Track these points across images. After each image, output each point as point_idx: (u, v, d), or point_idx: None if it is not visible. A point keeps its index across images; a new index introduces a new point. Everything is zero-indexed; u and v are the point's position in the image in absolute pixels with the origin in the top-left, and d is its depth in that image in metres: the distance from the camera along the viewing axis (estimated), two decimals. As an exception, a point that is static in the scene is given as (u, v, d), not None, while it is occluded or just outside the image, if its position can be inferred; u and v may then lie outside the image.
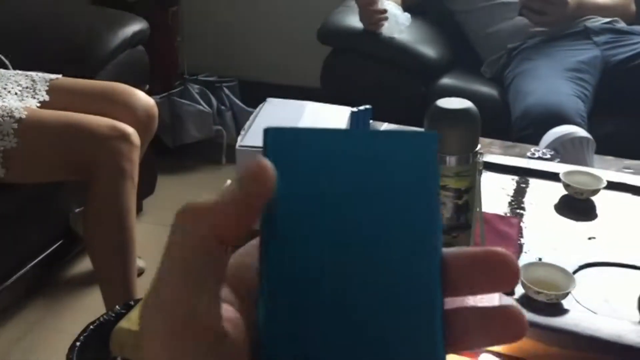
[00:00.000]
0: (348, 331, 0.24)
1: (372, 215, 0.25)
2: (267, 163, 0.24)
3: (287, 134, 0.26)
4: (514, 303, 0.24)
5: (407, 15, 1.97)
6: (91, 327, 1.03)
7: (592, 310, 0.89)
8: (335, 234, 0.25)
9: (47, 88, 1.55)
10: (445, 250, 0.25)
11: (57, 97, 1.54)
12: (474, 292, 0.24)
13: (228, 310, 0.24)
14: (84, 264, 1.80)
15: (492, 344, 0.24)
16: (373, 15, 1.92)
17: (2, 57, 1.67)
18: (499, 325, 0.24)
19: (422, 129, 0.25)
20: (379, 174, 0.26)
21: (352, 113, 1.16)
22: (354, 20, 2.02)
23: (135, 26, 1.91)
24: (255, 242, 0.26)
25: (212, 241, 0.23)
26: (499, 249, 0.24)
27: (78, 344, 1.00)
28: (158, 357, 0.23)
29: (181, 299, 0.23)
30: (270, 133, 0.26)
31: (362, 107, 1.36)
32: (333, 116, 1.08)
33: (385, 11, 1.93)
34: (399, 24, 1.95)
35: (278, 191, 0.25)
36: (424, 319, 0.24)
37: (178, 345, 0.23)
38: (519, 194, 1.18)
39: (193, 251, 0.23)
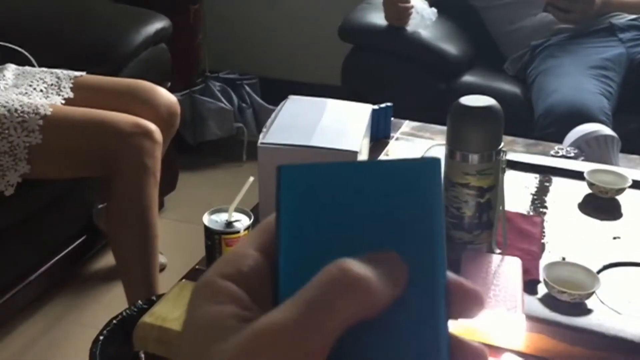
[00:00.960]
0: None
1: (378, 241, 0.26)
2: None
3: (298, 170, 0.27)
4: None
5: (434, 10, 1.95)
6: (114, 321, 1.05)
7: (616, 310, 0.88)
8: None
9: (71, 85, 1.57)
10: None
11: (81, 94, 1.56)
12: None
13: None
14: (107, 260, 1.82)
15: (454, 318, 0.26)
16: (400, 11, 1.91)
17: (28, 55, 1.69)
18: (457, 299, 0.25)
19: (424, 156, 0.26)
20: (385, 203, 0.26)
21: (373, 110, 1.16)
22: (374, 17, 2.01)
23: (158, 24, 1.92)
24: None
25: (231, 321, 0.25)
26: (469, 284, 0.26)
27: (101, 338, 1.01)
28: None
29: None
30: (283, 170, 0.27)
31: (382, 105, 1.35)
32: (354, 114, 1.08)
33: (411, 7, 1.92)
34: (424, 19, 1.93)
35: (290, 227, 0.26)
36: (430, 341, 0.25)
37: None
38: (542, 192, 1.17)
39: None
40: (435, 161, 0.26)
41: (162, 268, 1.74)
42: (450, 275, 0.26)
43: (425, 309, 0.25)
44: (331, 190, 0.26)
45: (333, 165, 0.27)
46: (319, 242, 0.26)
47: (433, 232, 0.26)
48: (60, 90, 1.56)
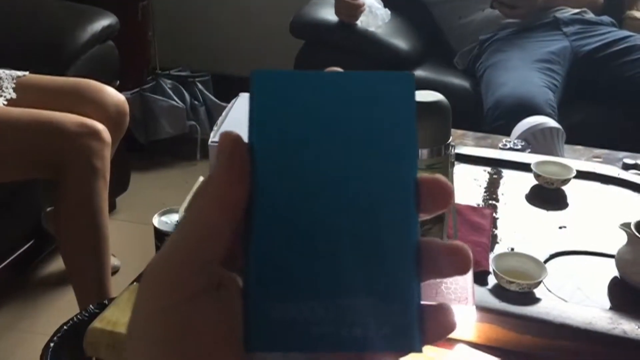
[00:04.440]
0: (330, 263, 0.25)
1: (352, 149, 0.27)
2: (236, 135, 0.26)
3: (272, 76, 0.27)
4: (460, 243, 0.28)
5: (387, 11, 1.97)
6: (65, 327, 1.02)
7: (563, 298, 0.91)
8: (318, 166, 0.26)
9: (14, 85, 1.52)
10: (421, 239, 0.27)
11: (24, 95, 1.51)
12: (438, 277, 0.27)
13: (224, 273, 0.26)
14: (57, 264, 1.78)
15: (443, 276, 0.27)
16: (350, 7, 1.92)
17: (-33, 55, 1.63)
18: (450, 259, 0.26)
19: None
20: (359, 110, 0.27)
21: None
22: (326, 13, 2.01)
23: (105, 21, 1.88)
24: None
25: (216, 216, 0.25)
26: (460, 243, 0.27)
27: (52, 344, 0.99)
28: (143, 305, 0.25)
29: (175, 257, 0.25)
30: (256, 75, 0.27)
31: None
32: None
33: (362, 4, 1.93)
34: (377, 19, 1.95)
35: (263, 132, 0.26)
36: (402, 247, 0.26)
37: (163, 292, 0.25)
38: (492, 185, 1.19)
39: (196, 220, 0.26)
40: (409, 75, 0.28)
41: (115, 271, 1.71)
42: (421, 175, 0.27)
43: (401, 204, 0.26)
44: (305, 96, 0.27)
45: (307, 74, 0.28)
46: (291, 147, 0.26)
47: (408, 137, 0.27)
48: (2, 91, 1.51)
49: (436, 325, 0.26)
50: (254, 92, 0.27)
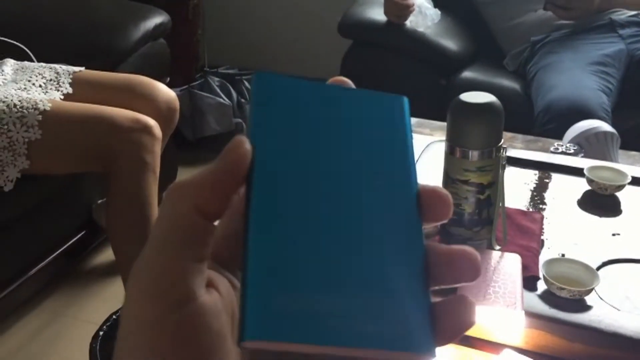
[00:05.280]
0: (331, 260, 0.25)
1: (353, 159, 0.27)
2: (243, 138, 0.26)
3: (273, 79, 0.28)
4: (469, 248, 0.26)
5: (437, 12, 1.95)
6: (114, 316, 1.05)
7: (615, 306, 0.88)
8: (316, 174, 0.26)
9: (70, 80, 1.57)
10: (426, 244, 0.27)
11: (80, 90, 1.55)
12: (442, 284, 0.26)
13: (215, 276, 0.26)
14: (107, 255, 1.82)
15: (453, 283, 0.26)
16: (400, 8, 1.91)
17: (27, 50, 1.69)
18: (456, 265, 0.26)
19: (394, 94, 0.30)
20: (357, 122, 0.28)
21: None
22: (374, 13, 2.01)
23: (157, 19, 1.92)
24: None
25: (193, 215, 0.25)
26: (468, 248, 0.26)
27: (101, 333, 1.02)
28: (132, 314, 0.24)
29: (156, 264, 0.24)
30: (257, 77, 0.27)
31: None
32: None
33: (412, 4, 1.91)
34: (426, 19, 1.93)
35: (261, 135, 0.26)
36: (407, 251, 0.26)
37: (147, 302, 0.24)
38: (542, 189, 1.17)
39: (174, 224, 0.25)
40: (403, 98, 0.29)
41: (162, 263, 1.74)
42: (422, 184, 0.27)
43: (401, 216, 0.26)
44: (305, 104, 0.27)
45: (309, 83, 0.28)
46: (289, 153, 0.26)
47: (404, 151, 0.28)
48: (60, 86, 1.55)
49: (454, 321, 0.25)
50: (253, 93, 0.27)
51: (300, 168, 0.26)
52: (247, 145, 0.25)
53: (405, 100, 0.29)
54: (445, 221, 0.27)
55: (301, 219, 0.25)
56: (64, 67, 1.60)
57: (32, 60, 1.66)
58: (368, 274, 0.25)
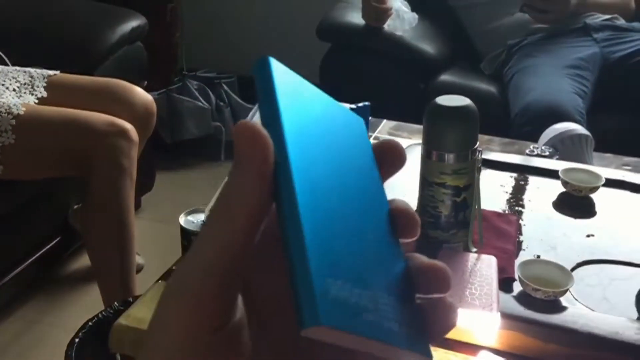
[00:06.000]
0: (366, 257, 0.26)
1: (353, 167, 0.28)
2: (260, 129, 0.24)
3: (283, 67, 0.27)
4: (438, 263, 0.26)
5: (415, 15, 1.96)
6: (90, 323, 1.03)
7: (590, 307, 0.89)
8: (337, 179, 0.27)
9: (45, 84, 1.55)
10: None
11: (55, 94, 1.54)
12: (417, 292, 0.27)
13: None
14: (83, 261, 1.80)
15: (425, 294, 0.27)
16: (378, 11, 1.92)
17: (0, 54, 1.66)
18: (428, 278, 0.26)
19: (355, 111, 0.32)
20: (344, 132, 0.29)
21: (351, 109, 1.16)
22: (352, 16, 2.01)
23: (134, 22, 1.90)
24: None
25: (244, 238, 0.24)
26: (439, 262, 0.27)
27: (77, 340, 1.00)
28: (170, 329, 0.24)
29: (202, 286, 0.24)
30: (268, 60, 0.26)
31: (360, 104, 1.35)
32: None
33: (390, 8, 1.92)
34: (404, 23, 1.94)
35: (290, 120, 0.25)
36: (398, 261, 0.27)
37: (188, 321, 0.24)
38: (518, 191, 1.18)
39: (226, 247, 0.24)
40: (360, 119, 0.30)
41: (140, 269, 1.73)
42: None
43: (387, 230, 0.27)
44: (310, 98, 0.28)
45: (304, 82, 0.28)
46: (314, 156, 0.26)
47: (376, 168, 0.29)
48: (34, 90, 1.54)
49: (435, 324, 0.26)
50: (269, 73, 0.25)
51: (325, 171, 0.26)
52: (266, 139, 0.24)
53: (361, 121, 0.30)
54: (413, 239, 0.28)
55: (337, 221, 0.25)
56: (39, 70, 1.58)
57: (5, 64, 1.64)
58: (386, 278, 0.26)
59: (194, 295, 0.23)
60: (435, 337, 0.26)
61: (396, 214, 0.27)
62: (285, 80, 0.26)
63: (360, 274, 0.25)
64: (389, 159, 0.28)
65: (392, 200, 0.28)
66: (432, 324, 0.26)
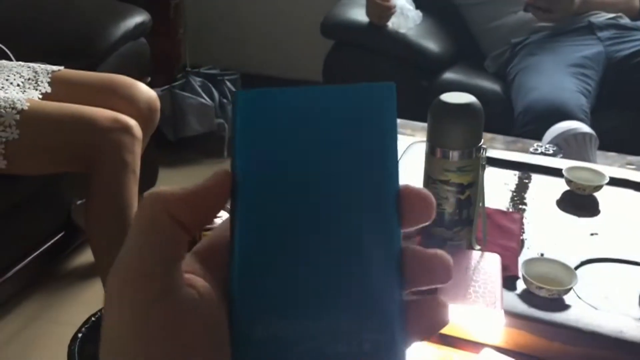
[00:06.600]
0: (313, 278, 0.25)
1: (333, 164, 0.27)
2: (225, 172, 0.27)
3: (254, 95, 0.28)
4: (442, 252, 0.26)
5: (419, 13, 1.96)
6: (92, 319, 1.04)
7: (593, 306, 0.89)
8: (301, 186, 0.26)
9: (49, 80, 1.55)
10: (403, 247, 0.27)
11: (59, 89, 1.54)
12: (418, 286, 0.27)
13: (195, 279, 0.27)
14: (85, 256, 1.80)
15: (427, 285, 0.26)
16: (381, 9, 1.92)
17: (5, 49, 1.66)
18: (429, 267, 0.26)
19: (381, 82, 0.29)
20: (340, 124, 0.27)
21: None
22: (356, 14, 2.01)
23: (138, 18, 1.90)
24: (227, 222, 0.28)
25: (166, 219, 0.26)
26: (440, 251, 0.27)
27: (80, 335, 1.00)
28: (116, 308, 0.25)
29: (134, 261, 0.26)
30: (239, 96, 0.28)
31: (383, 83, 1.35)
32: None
33: (393, 6, 1.92)
34: (408, 21, 1.94)
35: (245, 154, 0.27)
36: (383, 261, 0.26)
37: (132, 293, 0.25)
38: (522, 189, 1.18)
39: (150, 227, 0.26)
40: (391, 86, 0.27)
41: (142, 265, 1.72)
42: (404, 185, 0.27)
43: (380, 220, 0.26)
44: (287, 114, 0.27)
45: (289, 91, 0.28)
46: (274, 167, 0.27)
47: (389, 148, 0.27)
48: (38, 85, 1.54)
49: (427, 321, 0.26)
50: (235, 114, 0.27)
51: (282, 187, 0.26)
52: (227, 170, 0.27)
53: (392, 87, 0.28)
54: (428, 223, 0.27)
55: (282, 240, 0.25)
56: (43, 66, 1.58)
57: (10, 59, 1.64)
58: (345, 294, 0.25)
59: (129, 269, 0.25)
60: (426, 334, 0.26)
61: (405, 196, 0.26)
62: (250, 111, 0.27)
63: (299, 303, 0.25)
64: (417, 210, 0.27)
65: (404, 186, 0.27)
66: (424, 321, 0.26)
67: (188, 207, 0.26)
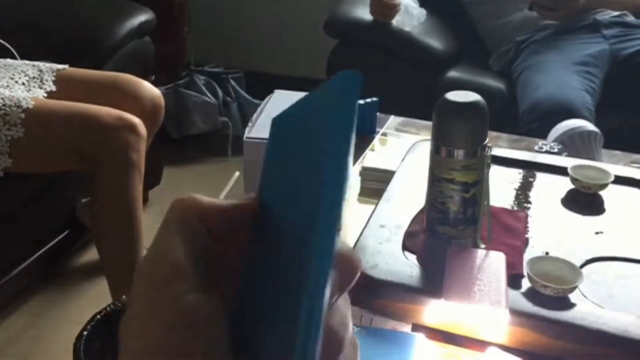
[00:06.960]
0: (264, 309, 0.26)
1: (295, 201, 0.25)
2: (256, 196, 0.28)
3: (276, 121, 0.28)
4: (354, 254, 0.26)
5: (423, 11, 1.96)
6: (98, 316, 1.04)
7: (598, 304, 0.89)
8: (275, 222, 0.27)
9: (54, 78, 1.55)
10: None
11: (64, 87, 1.54)
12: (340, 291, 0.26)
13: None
14: (91, 254, 1.81)
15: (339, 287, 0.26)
16: (385, 7, 1.92)
17: (10, 47, 1.67)
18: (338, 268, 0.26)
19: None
20: (312, 135, 0.24)
21: (359, 105, 1.15)
22: (360, 12, 2.01)
23: (142, 17, 1.90)
24: None
25: (196, 222, 0.27)
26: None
27: (85, 333, 1.01)
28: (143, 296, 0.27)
29: (161, 258, 0.27)
30: (272, 122, 0.28)
31: (368, 100, 1.35)
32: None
33: (398, 4, 1.92)
34: (412, 18, 1.94)
35: (263, 183, 0.28)
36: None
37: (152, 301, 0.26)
38: (526, 187, 1.17)
39: (179, 225, 0.27)
40: (356, 75, 0.24)
41: (147, 263, 1.73)
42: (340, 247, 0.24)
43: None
44: (286, 138, 0.28)
45: (295, 105, 0.28)
46: (265, 199, 0.28)
47: (340, 149, 0.23)
48: (43, 84, 1.54)
49: (340, 275, 0.25)
50: (270, 138, 0.28)
51: (264, 220, 0.27)
52: (254, 195, 0.28)
53: (356, 76, 0.23)
54: (350, 287, 0.26)
55: (256, 275, 0.27)
56: (48, 64, 1.58)
57: (15, 58, 1.65)
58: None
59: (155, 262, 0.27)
60: (343, 288, 0.26)
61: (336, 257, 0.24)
62: (271, 140, 0.28)
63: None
64: (340, 271, 0.25)
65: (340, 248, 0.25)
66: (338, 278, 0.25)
67: (217, 217, 0.27)
